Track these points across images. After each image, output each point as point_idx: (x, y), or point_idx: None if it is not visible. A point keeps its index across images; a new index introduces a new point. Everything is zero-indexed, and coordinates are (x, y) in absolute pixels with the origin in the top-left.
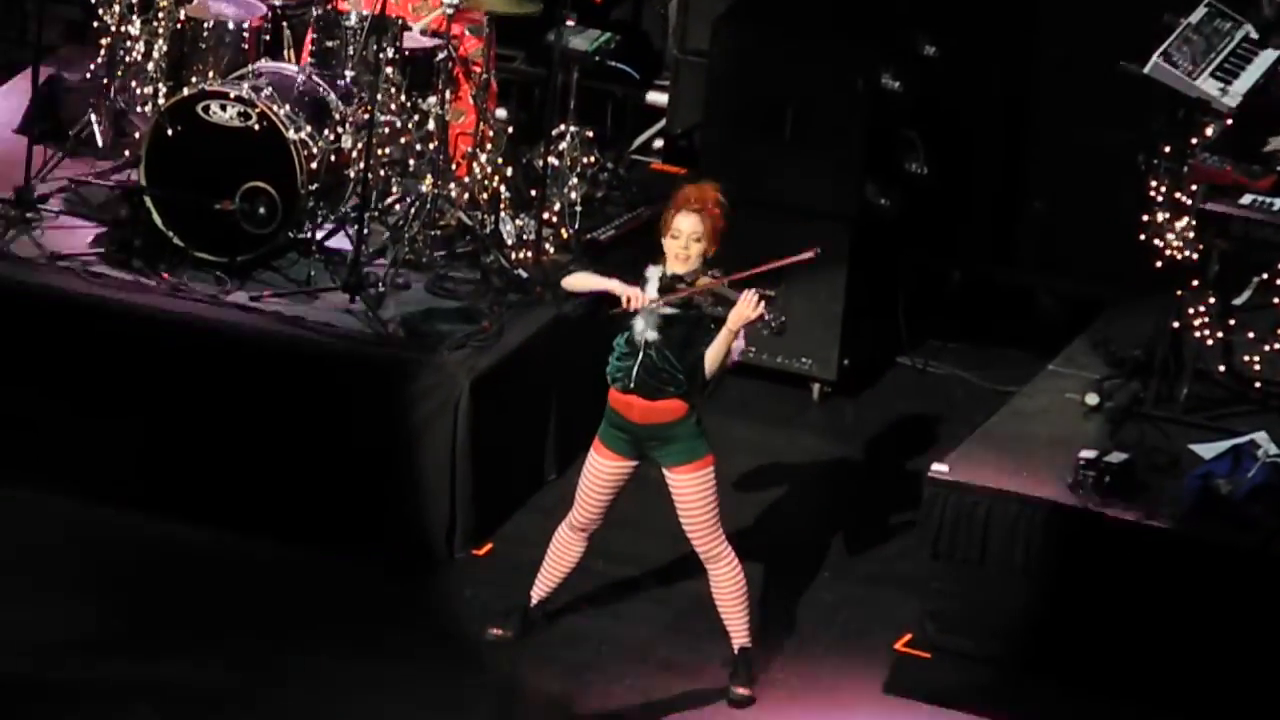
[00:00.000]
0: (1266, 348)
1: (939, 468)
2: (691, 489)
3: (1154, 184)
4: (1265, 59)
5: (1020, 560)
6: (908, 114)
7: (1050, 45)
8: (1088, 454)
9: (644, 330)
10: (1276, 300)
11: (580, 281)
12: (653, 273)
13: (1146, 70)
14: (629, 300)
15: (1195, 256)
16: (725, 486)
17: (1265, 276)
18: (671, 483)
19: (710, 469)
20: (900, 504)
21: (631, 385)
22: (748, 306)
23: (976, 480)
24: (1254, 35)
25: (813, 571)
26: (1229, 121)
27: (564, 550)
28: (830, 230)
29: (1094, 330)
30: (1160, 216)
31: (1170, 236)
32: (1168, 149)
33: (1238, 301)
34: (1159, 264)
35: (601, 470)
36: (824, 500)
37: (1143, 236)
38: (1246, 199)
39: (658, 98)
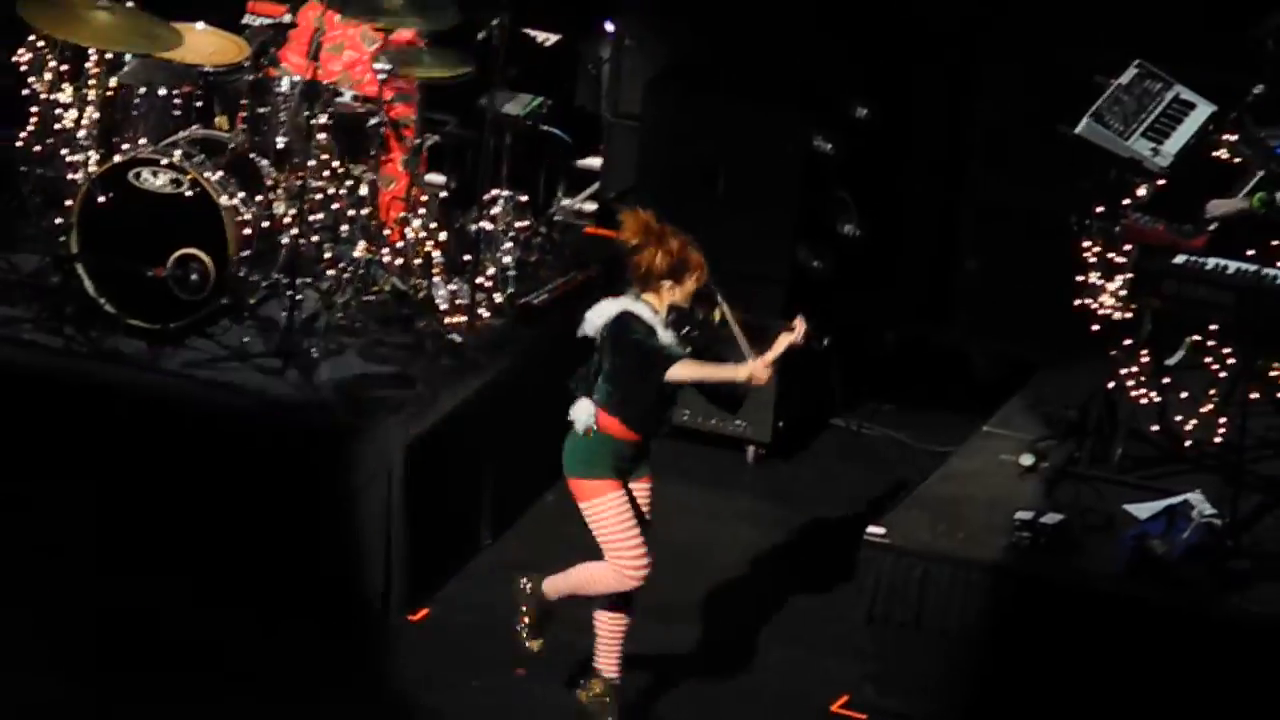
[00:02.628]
0: (1200, 408)
1: (874, 530)
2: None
3: (1087, 244)
4: (1196, 118)
5: (956, 622)
6: (840, 175)
7: (983, 105)
8: (1023, 515)
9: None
10: (1209, 360)
11: (691, 373)
12: (645, 312)
13: (1078, 131)
14: (754, 378)
15: (1128, 317)
16: (660, 550)
17: (1198, 337)
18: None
19: None
20: (837, 566)
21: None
22: (795, 334)
23: (912, 542)
24: (1185, 95)
25: (750, 633)
26: (1161, 182)
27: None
28: (763, 292)
29: (1028, 391)
30: (1093, 277)
31: (1103, 297)
32: (1100, 209)
33: (1171, 362)
34: (1093, 325)
35: (625, 499)
36: (760, 562)
37: (1076, 297)
38: (1179, 259)
39: (591, 161)
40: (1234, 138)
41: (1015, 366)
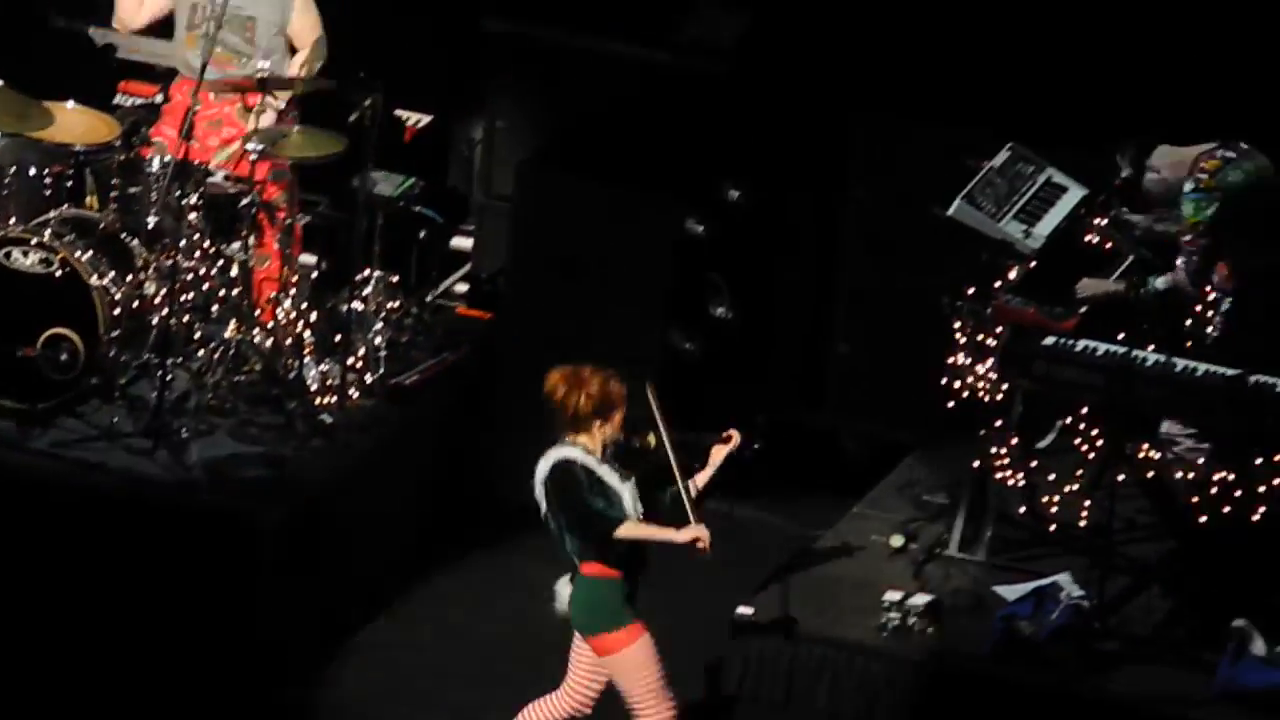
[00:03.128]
0: (1068, 490)
1: (743, 610)
2: None
3: (958, 326)
4: (1067, 202)
5: (824, 702)
6: (712, 258)
7: (855, 188)
8: (892, 596)
9: (637, 512)
10: (1077, 442)
11: (633, 533)
12: (579, 454)
13: (950, 213)
14: (701, 543)
15: (999, 398)
16: (521, 631)
17: (1069, 420)
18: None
19: None
20: (706, 646)
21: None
22: (730, 445)
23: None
24: (1056, 179)
25: (619, 716)
26: (1032, 264)
27: None
28: (635, 375)
29: (899, 473)
30: (964, 359)
31: (974, 378)
32: (971, 291)
33: (1043, 444)
34: (963, 406)
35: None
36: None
37: (946, 379)
38: (1049, 340)
39: (463, 242)
40: (1104, 222)
41: (886, 449)
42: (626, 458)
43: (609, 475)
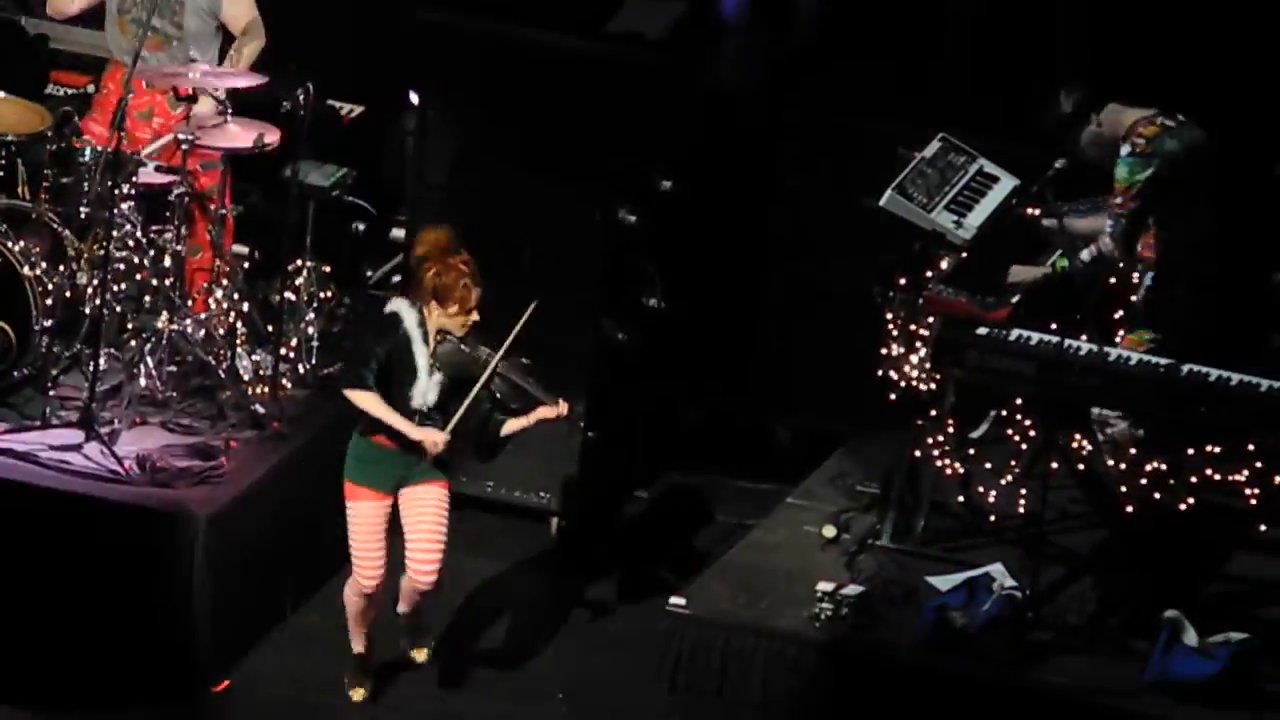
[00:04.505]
0: (1001, 480)
1: (676, 601)
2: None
3: (890, 316)
4: (999, 192)
5: (758, 693)
6: (645, 248)
7: (787, 178)
8: (825, 586)
9: (424, 400)
10: (1010, 432)
11: (368, 405)
12: (412, 321)
13: (882, 203)
14: (426, 442)
15: (932, 388)
16: (464, 621)
17: (1004, 411)
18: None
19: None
20: (639, 638)
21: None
22: (554, 413)
23: (714, 613)
24: (988, 169)
25: (550, 705)
26: (964, 254)
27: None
28: (568, 366)
29: (831, 463)
30: (896, 349)
31: (906, 369)
32: (903, 281)
33: (975, 435)
34: (895, 397)
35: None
36: (563, 635)
37: (879, 370)
38: (982, 330)
39: (398, 232)
40: (1036, 211)
41: (818, 439)
42: (452, 356)
43: (421, 355)
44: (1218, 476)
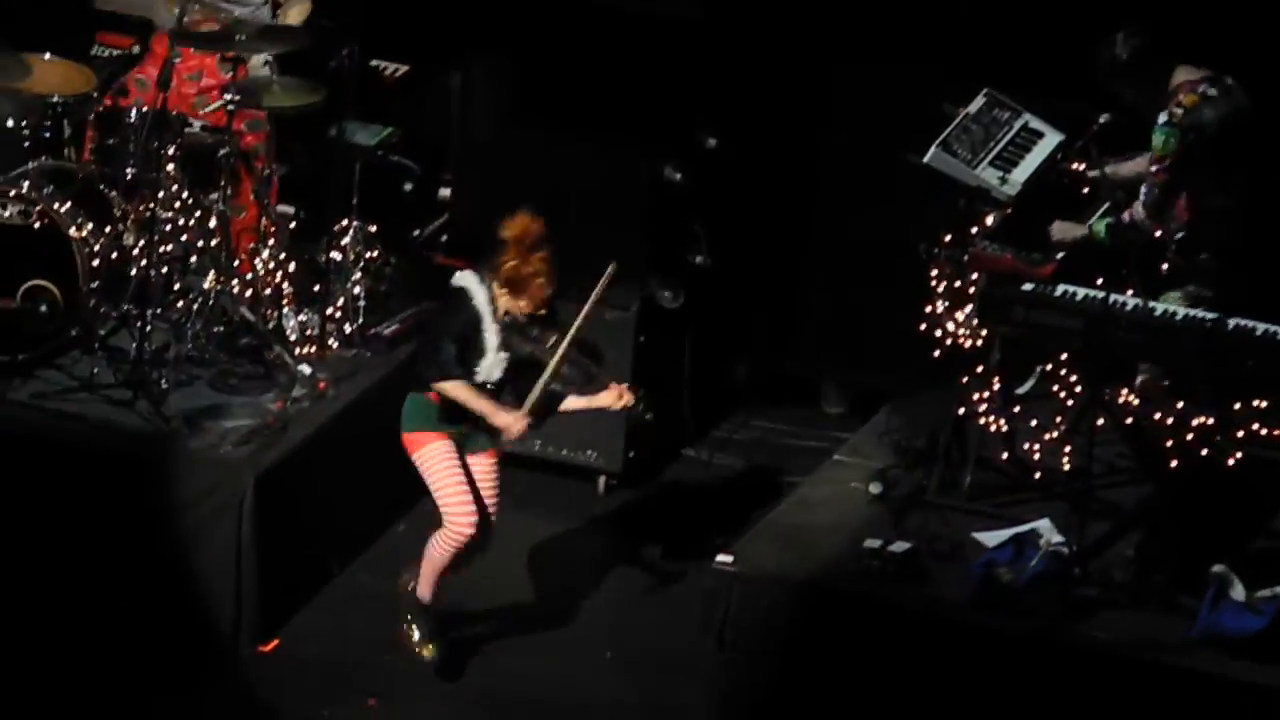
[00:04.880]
0: (1047, 436)
1: (723, 558)
2: None
3: (935, 273)
4: (1044, 147)
5: (805, 650)
6: (691, 206)
7: (834, 135)
8: (872, 543)
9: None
10: (1056, 388)
11: (456, 393)
12: (482, 298)
13: (926, 160)
14: (506, 428)
15: (977, 345)
16: (510, 579)
17: (1049, 367)
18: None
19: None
20: (688, 595)
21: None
22: (616, 399)
23: (761, 571)
24: (1033, 124)
25: (599, 662)
26: (1008, 210)
27: None
28: (614, 323)
29: (877, 420)
30: (941, 306)
31: (951, 325)
32: (948, 238)
33: (1021, 391)
34: (940, 353)
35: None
36: (610, 592)
37: (924, 326)
38: (1027, 286)
39: (444, 191)
40: (1082, 166)
41: (865, 396)
42: (521, 334)
43: (490, 332)
44: (1265, 431)
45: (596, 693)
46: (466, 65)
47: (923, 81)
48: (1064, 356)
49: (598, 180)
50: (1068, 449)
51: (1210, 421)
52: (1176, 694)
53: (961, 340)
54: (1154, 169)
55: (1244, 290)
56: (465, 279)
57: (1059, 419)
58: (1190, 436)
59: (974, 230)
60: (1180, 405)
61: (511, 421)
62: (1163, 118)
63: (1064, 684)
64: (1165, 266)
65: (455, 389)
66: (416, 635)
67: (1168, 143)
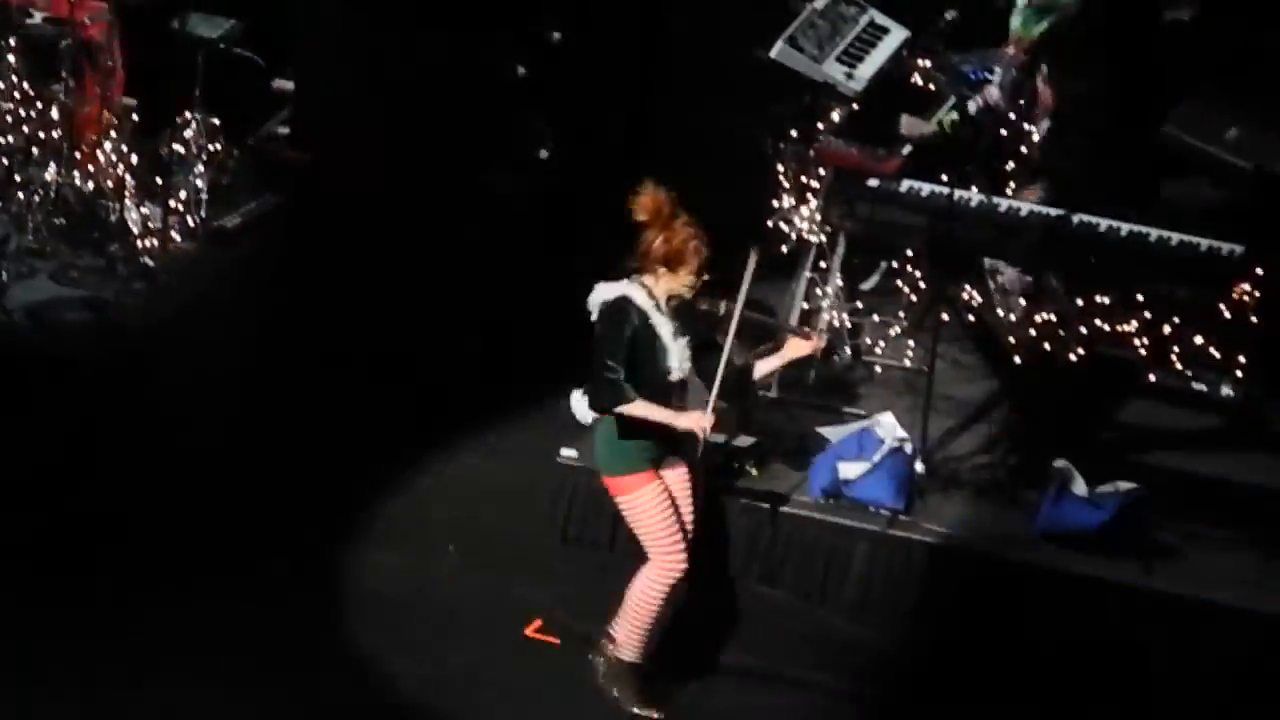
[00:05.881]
0: (892, 331)
1: (567, 453)
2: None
3: (780, 168)
4: (889, 44)
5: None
6: (534, 100)
7: (678, 31)
8: (716, 438)
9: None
10: (901, 284)
11: (636, 411)
12: (643, 298)
13: (772, 55)
14: (696, 429)
15: (823, 240)
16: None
17: (894, 263)
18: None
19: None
20: (531, 490)
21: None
22: (809, 347)
23: None
24: (879, 20)
25: (442, 561)
26: (855, 106)
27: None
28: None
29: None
30: (787, 201)
31: (797, 220)
32: (794, 133)
33: (866, 286)
34: (785, 249)
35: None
36: (453, 487)
37: (771, 220)
38: (873, 182)
39: (284, 84)
40: (927, 62)
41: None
42: (690, 316)
43: (663, 326)
44: (1108, 327)
45: (438, 590)
46: None
47: None
48: (909, 252)
49: (439, 74)
50: (910, 344)
51: (1053, 317)
52: (1019, 588)
53: (807, 235)
54: (1011, 51)
55: (1114, 179)
56: (611, 289)
57: (903, 314)
58: (1033, 332)
59: (820, 126)
60: (1023, 301)
61: (696, 421)
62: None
63: (908, 578)
64: (1011, 165)
65: (635, 409)
66: (635, 706)
67: (1027, 24)
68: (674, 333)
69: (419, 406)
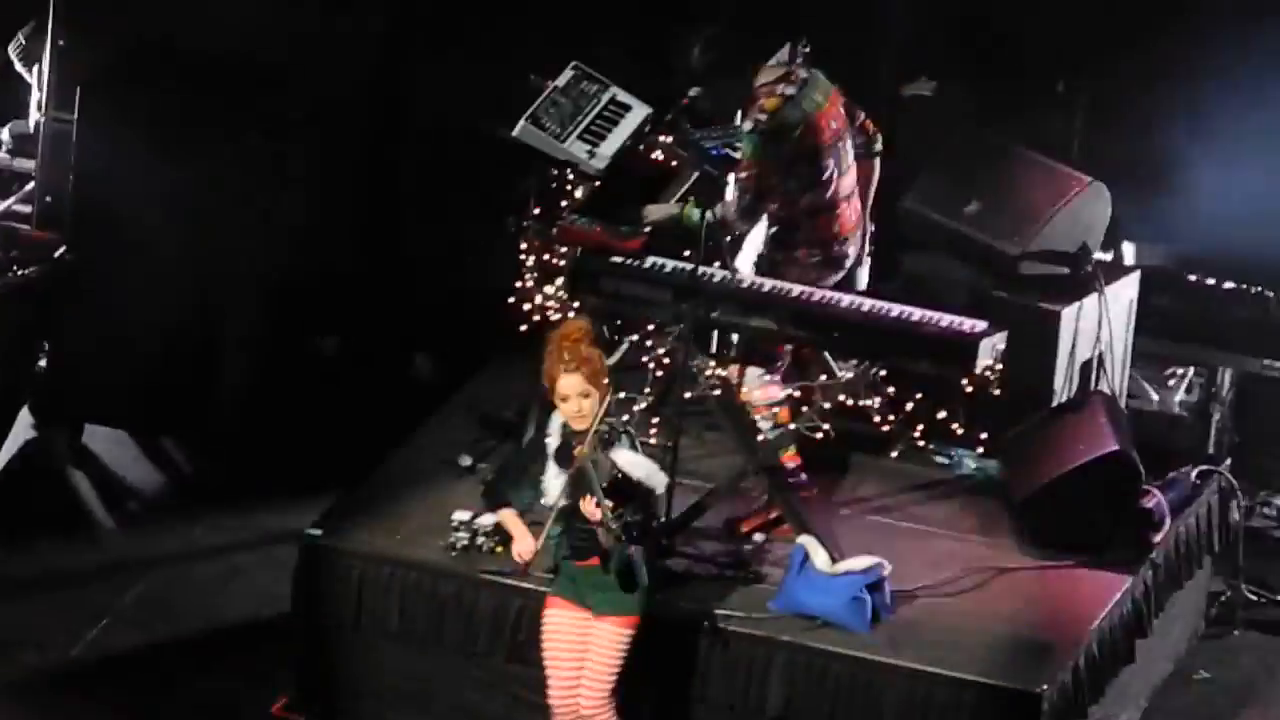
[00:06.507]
0: (636, 407)
1: (312, 531)
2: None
3: (524, 246)
4: (632, 120)
5: (395, 623)
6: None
7: (418, 111)
8: (461, 515)
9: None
10: (645, 359)
11: (500, 517)
12: (555, 426)
13: (515, 133)
14: (519, 557)
15: (567, 317)
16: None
17: (635, 337)
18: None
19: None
20: (277, 569)
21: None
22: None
23: (349, 543)
24: (620, 97)
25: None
26: (597, 184)
27: None
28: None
29: (467, 392)
30: (530, 279)
31: (539, 299)
32: (538, 211)
33: (611, 361)
34: (527, 328)
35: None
36: (200, 568)
37: (513, 300)
38: (616, 259)
39: (25, 163)
40: (669, 139)
41: (455, 367)
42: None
43: (552, 443)
44: (851, 402)
45: (186, 675)
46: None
47: (511, 56)
48: (652, 327)
49: (181, 148)
50: (654, 420)
51: (797, 394)
52: (753, 661)
53: (551, 313)
54: (744, 175)
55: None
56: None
57: (645, 390)
58: (780, 410)
59: (564, 204)
60: (774, 380)
61: (524, 552)
62: (747, 125)
63: (653, 653)
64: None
65: (500, 514)
66: None
67: (756, 149)
68: (552, 459)
69: None
